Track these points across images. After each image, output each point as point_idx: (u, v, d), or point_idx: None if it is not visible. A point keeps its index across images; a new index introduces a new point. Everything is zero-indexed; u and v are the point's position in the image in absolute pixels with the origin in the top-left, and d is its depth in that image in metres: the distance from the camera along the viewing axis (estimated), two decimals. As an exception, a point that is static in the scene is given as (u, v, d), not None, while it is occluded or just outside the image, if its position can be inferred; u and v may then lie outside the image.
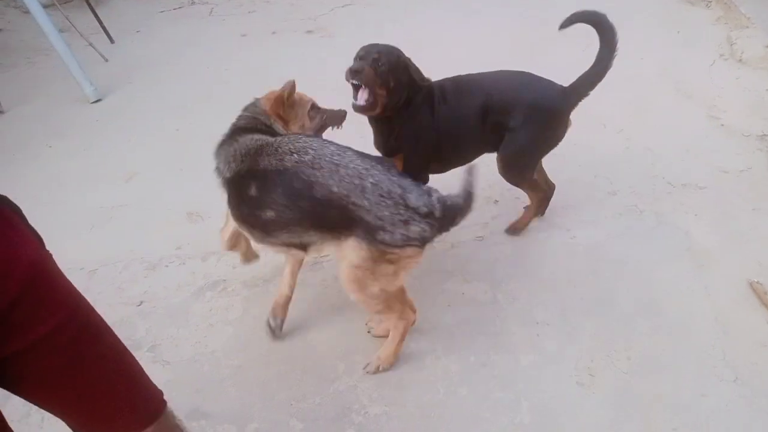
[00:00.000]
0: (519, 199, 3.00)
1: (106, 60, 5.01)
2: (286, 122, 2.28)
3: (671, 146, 3.28)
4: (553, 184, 2.81)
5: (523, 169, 2.56)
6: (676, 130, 3.43)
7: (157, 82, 4.58)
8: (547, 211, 2.86)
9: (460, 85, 2.46)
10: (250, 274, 2.65)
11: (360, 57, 2.30)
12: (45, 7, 5.45)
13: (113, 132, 3.93)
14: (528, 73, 2.57)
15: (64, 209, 3.22)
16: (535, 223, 2.81)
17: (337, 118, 2.41)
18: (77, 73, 4.31)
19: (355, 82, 2.26)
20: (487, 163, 3.19)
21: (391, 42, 2.37)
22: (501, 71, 2.54)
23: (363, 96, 2.28)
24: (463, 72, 2.56)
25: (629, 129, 3.47)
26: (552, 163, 3.17)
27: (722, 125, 3.43)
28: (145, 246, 2.88)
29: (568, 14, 2.53)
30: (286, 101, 2.24)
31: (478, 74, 2.52)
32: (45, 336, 0.76)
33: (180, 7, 6.15)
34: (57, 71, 4.48)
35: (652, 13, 5.02)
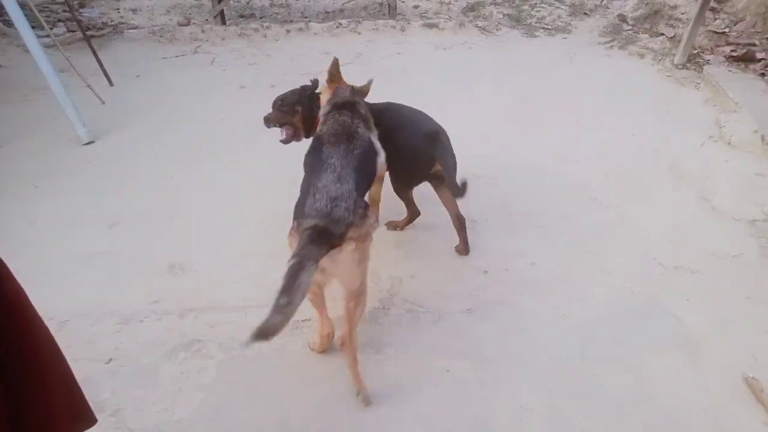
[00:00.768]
0: (508, 270, 2.93)
1: (103, 102, 4.98)
2: None
3: (662, 226, 3.25)
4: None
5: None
6: (668, 209, 3.41)
7: (152, 127, 4.55)
8: (537, 284, 2.80)
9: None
10: (228, 334, 2.53)
11: (271, 107, 2.97)
12: (47, 47, 5.49)
13: (102, 176, 3.85)
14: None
15: (42, 252, 3.09)
16: (516, 296, 2.73)
17: None
18: (71, 114, 4.26)
19: (267, 126, 3.00)
20: (480, 231, 3.16)
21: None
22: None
23: (282, 133, 2.97)
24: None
25: (620, 205, 3.44)
26: (543, 237, 3.14)
27: (713, 207, 3.42)
28: (122, 297, 2.75)
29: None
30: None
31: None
32: None
33: (182, 55, 6.20)
34: (52, 110, 4.42)
35: (645, 91, 5.12)
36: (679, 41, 6.22)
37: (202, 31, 6.59)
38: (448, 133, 2.84)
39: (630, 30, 6.98)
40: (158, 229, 3.30)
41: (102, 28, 6.48)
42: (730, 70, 5.18)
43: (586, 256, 3.03)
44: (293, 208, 2.15)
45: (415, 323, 2.58)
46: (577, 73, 5.65)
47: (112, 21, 6.96)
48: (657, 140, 4.22)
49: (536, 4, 7.72)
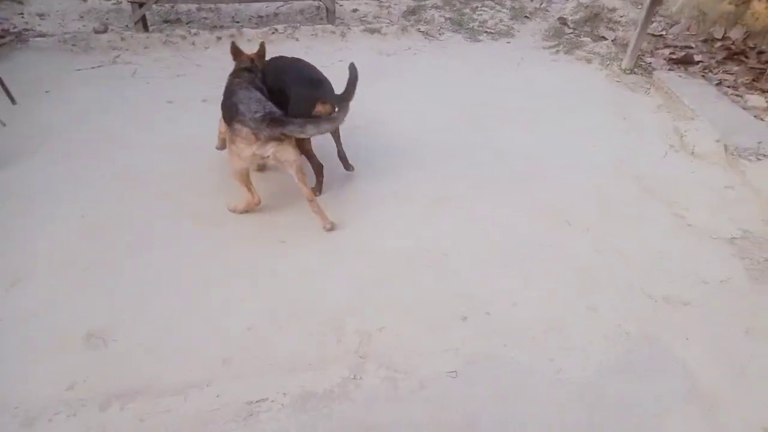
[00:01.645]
0: (490, 314, 2.56)
1: (4, 125, 4.22)
2: None
3: (642, 250, 2.99)
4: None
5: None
6: (644, 230, 3.16)
7: (65, 153, 3.87)
8: (524, 331, 2.44)
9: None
10: (165, 430, 2.01)
11: None
12: (-65, 59, 4.65)
13: (3, 218, 3.18)
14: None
15: None
16: (508, 351, 2.36)
17: None
18: (-38, 143, 3.54)
19: None
20: (452, 266, 2.75)
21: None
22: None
23: None
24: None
25: (596, 228, 3.16)
26: (522, 270, 2.80)
27: (689, 225, 3.20)
28: (25, 387, 2.16)
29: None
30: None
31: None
32: None
33: (99, 66, 5.46)
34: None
35: (597, 98, 4.92)
36: (624, 45, 6.13)
37: (122, 38, 5.86)
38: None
39: (571, 33, 6.84)
40: (72, 285, 2.70)
41: (2, 36, 5.62)
42: (680, 76, 5.07)
43: (570, 291, 2.71)
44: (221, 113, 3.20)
45: (393, 394, 2.16)
46: (526, 79, 5.39)
47: (14, 27, 6.09)
48: (619, 151, 3.99)
49: (477, 7, 7.46)
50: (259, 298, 2.64)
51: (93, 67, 5.43)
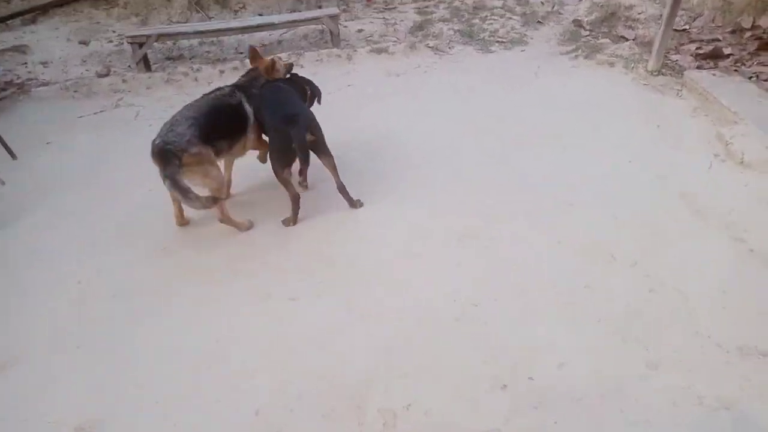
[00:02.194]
0: (533, 380, 2.17)
1: (3, 183, 4.01)
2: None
3: (702, 286, 2.57)
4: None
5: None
6: (701, 260, 2.74)
7: (64, 211, 3.61)
8: (577, 402, 2.05)
9: None
10: None
11: None
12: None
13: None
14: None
15: None
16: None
17: None
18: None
19: None
20: (486, 319, 2.36)
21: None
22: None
23: None
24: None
25: (644, 261, 2.75)
26: (565, 318, 2.39)
27: (751, 251, 2.77)
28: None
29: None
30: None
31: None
32: None
33: (102, 111, 5.24)
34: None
35: (626, 105, 4.50)
36: (646, 44, 5.70)
37: (123, 80, 5.65)
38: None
39: (588, 36, 6.43)
40: (64, 367, 2.41)
41: (4, 89, 5.45)
42: (713, 74, 4.61)
43: (624, 343, 2.31)
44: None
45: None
46: (545, 90, 4.99)
47: (18, 78, 5.94)
48: (659, 166, 3.57)
49: (487, 16, 7.10)
50: (268, 371, 2.31)
51: (95, 113, 5.22)
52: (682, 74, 4.84)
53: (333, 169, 3.29)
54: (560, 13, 7.32)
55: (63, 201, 3.75)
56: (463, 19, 7.10)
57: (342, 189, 3.30)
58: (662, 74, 4.98)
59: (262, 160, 3.65)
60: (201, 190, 2.97)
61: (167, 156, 2.85)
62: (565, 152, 3.86)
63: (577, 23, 6.81)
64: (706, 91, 4.28)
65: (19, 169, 4.25)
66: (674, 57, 5.51)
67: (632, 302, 2.50)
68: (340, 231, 3.18)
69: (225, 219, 3.20)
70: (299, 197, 3.22)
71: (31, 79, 5.94)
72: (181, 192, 2.82)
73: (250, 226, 3.29)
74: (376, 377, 2.23)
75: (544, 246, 2.91)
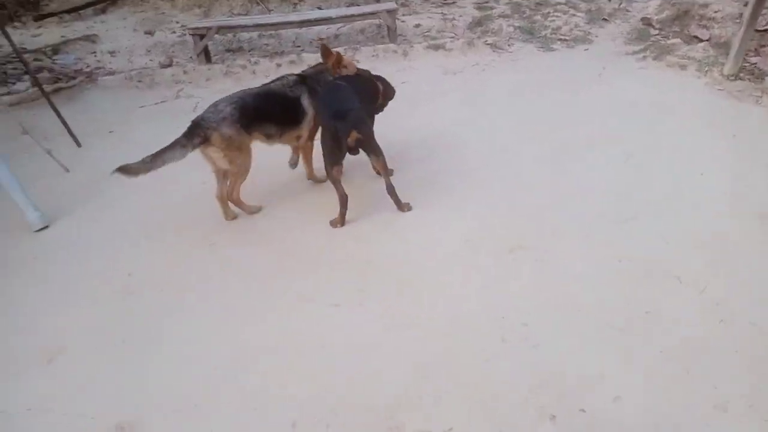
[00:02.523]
0: (585, 412, 2.00)
1: (67, 170, 4.14)
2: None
3: (782, 318, 2.31)
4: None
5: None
6: (779, 288, 2.47)
7: (120, 201, 3.68)
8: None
9: None
10: None
11: None
12: (10, 105, 4.68)
13: (49, 279, 2.98)
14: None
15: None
16: None
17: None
18: (18, 197, 3.41)
19: None
20: (533, 339, 2.12)
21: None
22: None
23: None
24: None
25: (714, 287, 2.50)
26: (622, 346, 2.18)
27: (841, 282, 2.47)
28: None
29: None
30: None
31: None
32: None
33: (163, 102, 5.35)
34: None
35: (698, 112, 4.17)
36: (723, 45, 5.28)
37: (185, 72, 5.74)
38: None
39: (658, 35, 6.03)
40: (108, 361, 2.42)
41: (74, 77, 5.64)
42: (800, 80, 4.20)
43: (689, 378, 2.10)
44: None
45: None
46: (609, 92, 4.70)
47: (88, 66, 6.13)
48: (733, 181, 3.27)
49: (549, 13, 6.79)
50: (305, 381, 2.23)
51: (156, 103, 5.32)
52: (763, 79, 4.45)
53: (383, 168, 3.20)
54: (628, 11, 6.92)
55: (119, 191, 3.79)
56: (524, 15, 6.82)
57: (391, 190, 3.19)
58: (740, 79, 4.60)
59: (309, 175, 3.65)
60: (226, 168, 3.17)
61: (194, 130, 3.04)
62: (630, 161, 3.61)
63: (646, 21, 6.40)
64: (790, 98, 3.90)
65: (82, 158, 4.37)
66: (754, 60, 5.07)
67: (699, 333, 2.28)
68: (386, 235, 3.07)
69: (235, 200, 3.31)
70: (347, 198, 3.14)
71: (99, 68, 6.12)
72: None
73: (256, 211, 3.38)
74: (415, 397, 2.11)
75: (603, 263, 2.71)
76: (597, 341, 2.29)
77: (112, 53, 6.52)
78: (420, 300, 2.59)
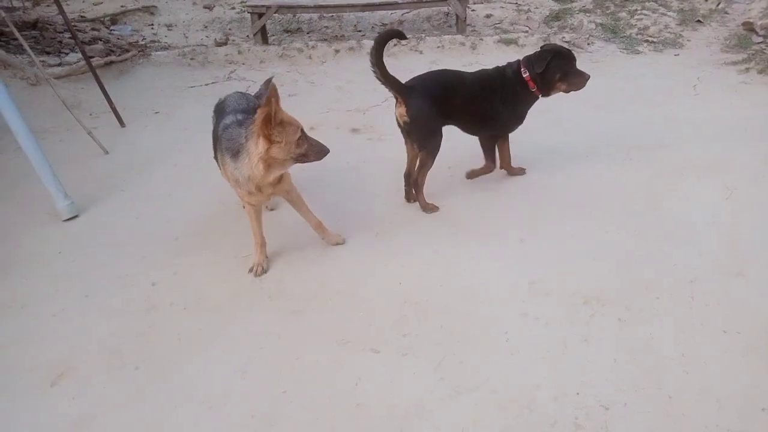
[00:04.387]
0: None
1: (106, 152, 3.87)
2: (270, 144, 2.20)
3: None
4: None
5: None
6: None
7: (153, 193, 3.37)
8: None
9: None
10: None
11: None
12: (58, 78, 4.44)
13: (69, 280, 2.69)
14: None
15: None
16: None
17: (319, 152, 2.34)
18: (49, 182, 3.14)
19: None
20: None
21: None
22: None
23: None
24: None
25: None
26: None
27: None
28: None
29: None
30: (274, 118, 2.14)
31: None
32: None
33: (214, 83, 5.02)
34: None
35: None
36: None
37: (239, 52, 5.38)
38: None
39: (762, 43, 5.23)
40: (118, 394, 2.09)
41: (127, 50, 5.37)
42: None
43: None
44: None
45: None
46: (706, 109, 4.04)
47: (143, 39, 5.88)
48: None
49: (636, 10, 6.04)
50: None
51: (207, 84, 5.01)
52: None
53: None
54: (726, 13, 6.09)
55: (155, 181, 3.51)
56: (608, 11, 6.10)
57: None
58: None
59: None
60: None
61: None
62: (733, 196, 3.01)
63: (748, 26, 5.59)
64: None
65: (124, 139, 4.10)
66: None
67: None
68: (441, 273, 2.61)
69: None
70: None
71: (155, 41, 5.86)
72: None
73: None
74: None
75: (706, 332, 2.17)
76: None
77: (168, 26, 6.24)
78: (473, 359, 2.14)
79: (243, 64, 5.31)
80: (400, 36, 2.93)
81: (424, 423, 1.90)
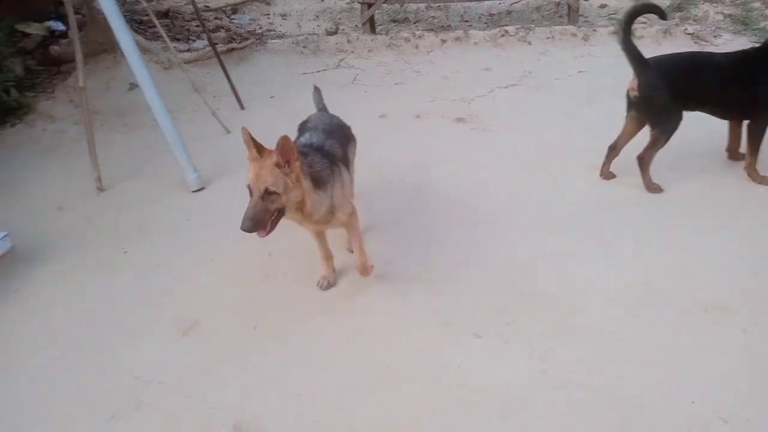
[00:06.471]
0: None
1: (229, 132, 4.15)
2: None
3: None
4: None
5: None
6: None
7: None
8: None
9: None
10: None
11: None
12: (187, 62, 4.81)
13: (195, 245, 2.95)
14: None
15: (87, 374, 2.23)
16: None
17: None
18: (181, 156, 3.44)
19: None
20: None
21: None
22: None
23: None
24: None
25: None
26: None
27: None
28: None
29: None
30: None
31: None
32: None
33: (324, 70, 5.20)
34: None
35: None
36: None
37: (348, 41, 5.53)
38: None
39: None
40: (236, 346, 2.29)
41: (246, 38, 5.70)
42: None
43: None
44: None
45: None
46: None
47: (260, 28, 6.20)
48: None
49: (773, -1, 5.47)
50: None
51: (318, 71, 5.19)
52: None
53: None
54: None
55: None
56: (738, 1, 5.58)
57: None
58: None
59: None
60: None
61: None
62: None
63: None
64: None
65: (244, 120, 4.33)
66: None
67: None
68: (548, 265, 2.56)
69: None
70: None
71: (270, 30, 6.16)
72: None
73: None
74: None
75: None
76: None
77: (283, 16, 6.54)
78: (579, 353, 2.09)
79: (352, 52, 5.45)
80: (658, 12, 2.83)
81: (524, 412, 1.90)
